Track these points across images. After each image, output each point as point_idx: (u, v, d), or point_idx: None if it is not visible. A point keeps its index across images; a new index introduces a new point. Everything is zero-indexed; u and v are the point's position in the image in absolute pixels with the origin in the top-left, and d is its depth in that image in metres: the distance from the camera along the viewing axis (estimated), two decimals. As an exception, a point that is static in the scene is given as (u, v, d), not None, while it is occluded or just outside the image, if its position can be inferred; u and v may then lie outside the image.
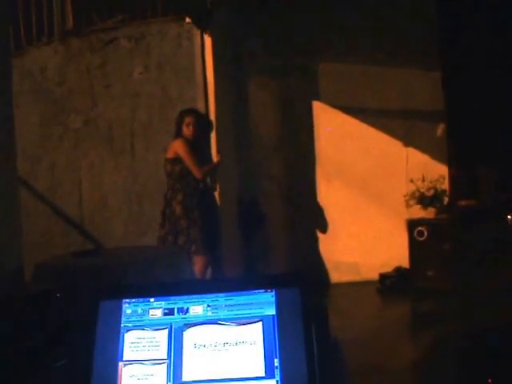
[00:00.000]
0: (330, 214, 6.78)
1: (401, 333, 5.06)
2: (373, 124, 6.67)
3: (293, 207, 6.82)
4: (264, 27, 6.61)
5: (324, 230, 6.81)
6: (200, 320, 1.28)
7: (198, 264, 5.10)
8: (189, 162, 5.09)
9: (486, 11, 6.28)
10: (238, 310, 1.28)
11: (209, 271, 5.26)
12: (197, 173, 5.10)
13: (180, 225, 5.07)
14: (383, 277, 6.33)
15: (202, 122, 5.38)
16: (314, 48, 6.69)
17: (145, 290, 1.34)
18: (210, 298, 1.30)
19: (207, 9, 5.73)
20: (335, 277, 6.72)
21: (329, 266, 6.77)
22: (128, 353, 1.25)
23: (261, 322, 1.25)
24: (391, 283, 6.27)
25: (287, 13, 6.58)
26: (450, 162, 6.55)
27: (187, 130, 5.19)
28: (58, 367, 1.66)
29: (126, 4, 6.01)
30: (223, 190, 5.79)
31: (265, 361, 1.21)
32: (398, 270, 6.39)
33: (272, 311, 1.26)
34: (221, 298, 1.30)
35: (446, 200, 6.33)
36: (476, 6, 6.25)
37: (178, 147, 5.14)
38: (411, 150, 6.63)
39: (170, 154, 5.19)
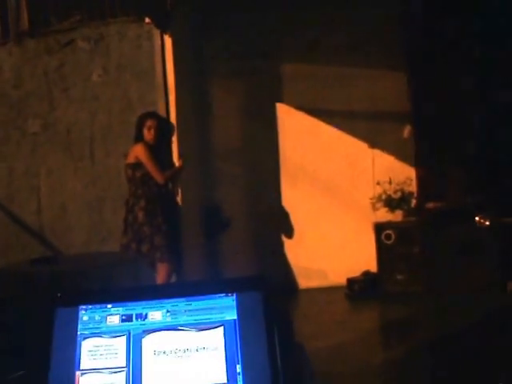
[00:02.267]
0: (296, 219, 6.74)
1: (370, 338, 5.02)
2: (338, 126, 6.65)
3: (257, 212, 6.77)
4: (226, 28, 6.57)
5: (289, 234, 6.77)
6: (159, 326, 1.25)
7: (162, 271, 5.03)
8: (150, 167, 5.03)
9: (451, 12, 6.34)
10: (199, 315, 1.25)
11: (173, 279, 5.19)
12: (159, 178, 5.04)
13: (143, 232, 5.00)
14: (351, 281, 6.28)
15: (163, 126, 5.33)
16: (278, 49, 6.66)
17: (102, 296, 1.30)
18: (169, 303, 1.27)
19: (167, 9, 5.67)
20: (303, 282, 6.68)
21: (296, 271, 6.73)
22: (85, 361, 1.22)
23: (222, 327, 1.22)
24: (359, 288, 6.22)
25: (250, 13, 6.56)
26: (417, 163, 6.55)
27: (148, 134, 5.13)
28: (14, 379, 1.61)
29: (84, 4, 5.91)
30: (185, 194, 5.73)
31: (227, 367, 1.19)
32: (366, 275, 6.35)
33: (233, 316, 1.23)
34: (180, 303, 1.26)
35: (413, 202, 6.33)
36: (441, 7, 6.31)
37: (138, 152, 5.07)
38: (377, 152, 6.62)
39: (130, 159, 5.11)
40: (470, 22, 6.33)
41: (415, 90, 6.52)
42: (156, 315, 1.25)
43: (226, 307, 1.24)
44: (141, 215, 5.02)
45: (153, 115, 5.30)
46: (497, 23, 6.24)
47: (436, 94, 6.44)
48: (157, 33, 5.72)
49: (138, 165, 5.06)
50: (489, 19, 6.26)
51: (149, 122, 5.16)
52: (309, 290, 6.55)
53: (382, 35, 6.50)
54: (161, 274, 5.02)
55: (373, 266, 6.28)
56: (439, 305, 5.53)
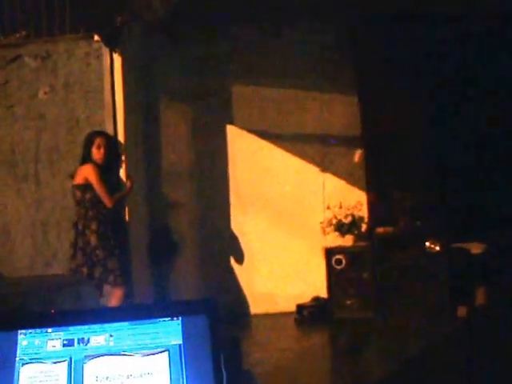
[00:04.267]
0: (246, 243, 6.66)
1: (320, 365, 4.98)
2: (289, 149, 6.63)
3: (207, 236, 6.70)
4: (177, 48, 6.54)
5: (240, 259, 6.69)
6: (102, 351, 1.21)
7: (116, 295, 4.91)
8: (99, 189, 4.90)
9: (402, 39, 6.46)
10: (143, 339, 1.22)
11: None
12: (107, 201, 4.92)
13: (96, 255, 4.87)
14: (301, 307, 6.22)
15: (112, 145, 5.23)
16: (229, 70, 6.64)
17: (42, 320, 1.25)
18: (112, 327, 1.23)
19: (117, 27, 5.61)
20: (253, 308, 6.59)
21: (246, 296, 6.66)
22: (24, 389, 1.17)
23: (167, 352, 1.19)
24: (309, 314, 6.16)
25: (201, 34, 6.56)
26: (367, 188, 6.56)
27: (97, 153, 5.00)
28: None
29: (31, 19, 5.78)
30: (133, 217, 5.65)
31: (171, 393, 1.15)
32: (316, 300, 6.30)
33: (178, 340, 1.20)
34: (124, 327, 1.23)
35: (363, 227, 6.31)
36: (391, 34, 6.43)
37: (88, 173, 4.94)
38: (328, 176, 6.61)
39: (79, 180, 4.96)
40: (421, 48, 6.46)
41: (367, 115, 6.58)
42: (99, 339, 1.23)
43: (171, 331, 1.21)
44: (93, 238, 4.89)
45: (102, 133, 5.19)
46: (446, 48, 6.40)
47: (387, 119, 6.53)
48: (106, 51, 5.65)
49: (87, 186, 4.92)
50: (438, 44, 6.42)
51: (98, 140, 5.03)
52: (259, 316, 6.48)
53: (334, 59, 6.57)
54: (114, 299, 4.91)
55: (323, 292, 6.25)
56: (389, 330, 5.54)
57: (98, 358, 1.20)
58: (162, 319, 1.23)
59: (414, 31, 6.39)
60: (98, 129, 5.42)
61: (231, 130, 6.71)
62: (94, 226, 4.89)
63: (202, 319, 1.21)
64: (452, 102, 6.53)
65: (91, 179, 4.90)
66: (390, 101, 6.50)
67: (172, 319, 1.23)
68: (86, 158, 5.01)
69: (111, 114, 5.58)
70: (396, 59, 6.47)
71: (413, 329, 5.37)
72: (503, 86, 6.54)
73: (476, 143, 6.55)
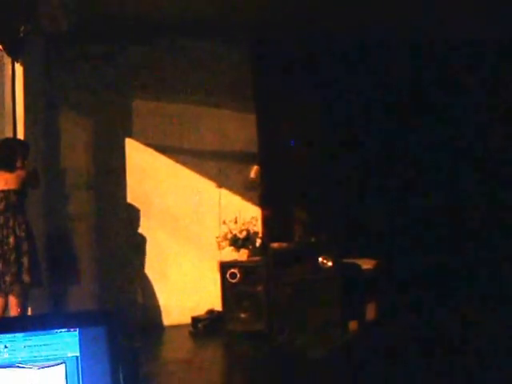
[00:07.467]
0: (144, 256, 6.67)
1: (214, 377, 4.97)
2: (186, 164, 6.70)
3: (105, 247, 6.62)
4: (80, 61, 6.47)
5: (137, 271, 6.66)
6: (-4, 363, 1.17)
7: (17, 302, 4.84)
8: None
9: (300, 59, 6.64)
10: (39, 351, 1.19)
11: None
12: None
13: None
14: (195, 320, 6.25)
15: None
16: (129, 84, 6.65)
17: None
18: (6, 338, 1.19)
19: (20, 36, 5.47)
20: (148, 320, 6.54)
21: (142, 308, 6.62)
22: None
23: (63, 365, 1.17)
24: (204, 326, 6.20)
25: (102, 47, 6.52)
26: (262, 203, 6.70)
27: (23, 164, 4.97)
28: None
29: None
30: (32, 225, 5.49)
31: (68, 407, 1.14)
32: (211, 313, 6.35)
33: (76, 352, 1.18)
34: (19, 339, 1.20)
35: (258, 242, 6.41)
36: (290, 53, 6.59)
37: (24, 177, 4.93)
38: (224, 191, 6.70)
39: (17, 185, 4.92)
40: (320, 66, 6.66)
41: (263, 132, 6.72)
42: (-8, 351, 1.18)
43: (68, 343, 1.18)
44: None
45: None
46: (346, 65, 6.62)
47: (283, 137, 6.71)
48: (8, 61, 5.52)
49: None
50: (337, 61, 6.63)
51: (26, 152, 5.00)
52: (153, 328, 6.42)
53: (232, 76, 6.69)
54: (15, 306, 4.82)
55: (218, 305, 6.28)
56: (282, 344, 5.61)
57: (-9, 370, 1.17)
58: (58, 330, 1.20)
59: (314, 50, 6.58)
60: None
61: (130, 144, 6.69)
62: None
63: (100, 331, 1.19)
64: (349, 117, 6.71)
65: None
66: (287, 118, 6.67)
67: (69, 330, 1.20)
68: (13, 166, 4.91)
69: (11, 123, 5.43)
70: (294, 77, 6.64)
71: (305, 343, 5.47)
72: (396, 99, 6.83)
73: (371, 159, 6.79)
